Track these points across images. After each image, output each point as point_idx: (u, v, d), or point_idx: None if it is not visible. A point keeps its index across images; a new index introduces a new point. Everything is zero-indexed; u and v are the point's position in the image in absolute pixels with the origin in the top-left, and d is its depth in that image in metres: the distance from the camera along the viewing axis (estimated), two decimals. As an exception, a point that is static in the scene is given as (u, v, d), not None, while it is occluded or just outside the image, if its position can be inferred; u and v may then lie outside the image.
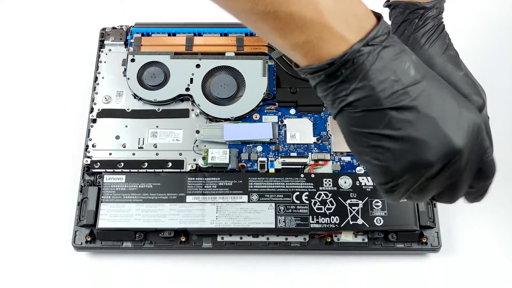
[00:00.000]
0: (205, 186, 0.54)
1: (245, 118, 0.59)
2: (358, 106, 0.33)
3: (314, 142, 0.58)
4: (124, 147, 0.58)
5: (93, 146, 0.57)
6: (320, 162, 0.56)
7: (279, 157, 0.57)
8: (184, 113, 0.59)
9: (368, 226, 0.53)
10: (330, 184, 0.55)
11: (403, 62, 0.33)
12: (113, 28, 0.64)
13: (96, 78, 0.61)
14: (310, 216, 0.53)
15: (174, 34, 0.63)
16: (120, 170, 0.56)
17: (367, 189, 0.54)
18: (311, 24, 0.31)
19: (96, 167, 0.56)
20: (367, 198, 0.54)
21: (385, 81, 0.32)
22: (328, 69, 0.33)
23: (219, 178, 0.55)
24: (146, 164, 0.56)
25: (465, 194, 0.38)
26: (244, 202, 0.54)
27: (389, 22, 0.47)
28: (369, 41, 0.32)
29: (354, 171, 0.56)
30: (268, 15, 0.32)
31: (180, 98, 0.60)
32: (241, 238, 0.54)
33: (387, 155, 0.34)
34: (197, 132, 0.58)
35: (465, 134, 0.33)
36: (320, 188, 0.54)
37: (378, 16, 0.34)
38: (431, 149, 0.33)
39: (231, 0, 0.32)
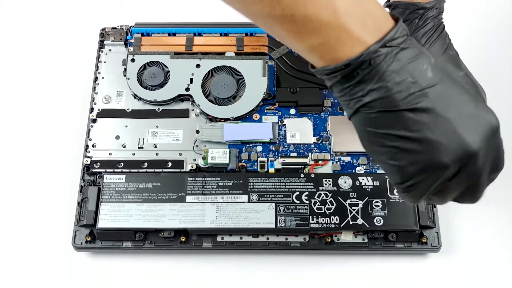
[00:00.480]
0: (205, 186, 0.54)
1: (245, 118, 0.59)
2: (374, 107, 0.33)
3: (314, 142, 0.58)
4: (124, 147, 0.58)
5: (93, 146, 0.57)
6: (320, 162, 0.56)
7: (279, 157, 0.57)
8: (184, 113, 0.59)
9: (368, 226, 0.53)
10: (330, 184, 0.55)
11: (421, 64, 0.33)
12: (113, 28, 0.64)
13: (96, 78, 0.61)
14: (310, 216, 0.53)
15: (174, 34, 0.63)
16: (120, 170, 0.56)
17: (367, 189, 0.54)
18: (328, 26, 0.32)
19: (96, 167, 0.56)
20: (367, 198, 0.54)
21: (402, 83, 0.32)
22: (345, 70, 0.33)
23: (219, 178, 0.55)
24: (146, 164, 0.56)
25: None
26: (244, 202, 0.54)
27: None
28: (386, 42, 0.32)
29: (354, 171, 0.56)
30: (285, 19, 0.32)
31: (180, 98, 0.60)
32: (241, 238, 0.54)
33: (402, 155, 0.34)
34: (197, 132, 0.58)
35: (481, 137, 0.33)
36: (320, 188, 0.54)
37: (396, 19, 0.34)
38: (446, 151, 0.33)
39: (248, 4, 0.33)
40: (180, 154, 0.57)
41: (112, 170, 0.56)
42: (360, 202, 0.54)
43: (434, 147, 0.33)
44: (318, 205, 0.54)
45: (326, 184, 0.55)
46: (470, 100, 0.34)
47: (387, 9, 0.48)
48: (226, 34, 0.63)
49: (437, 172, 0.34)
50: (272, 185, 0.55)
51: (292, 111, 0.59)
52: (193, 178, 0.55)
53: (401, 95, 0.32)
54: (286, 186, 0.54)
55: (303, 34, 0.32)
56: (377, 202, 0.54)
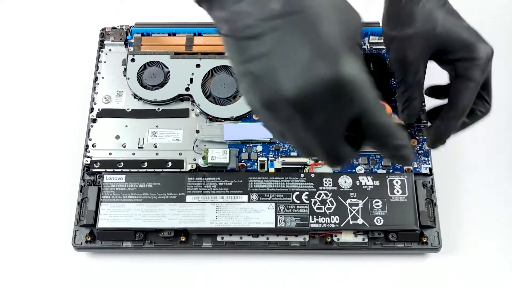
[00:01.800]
0: (205, 186, 0.54)
1: (245, 117, 0.59)
2: (222, 34, 0.34)
3: (314, 142, 0.58)
4: (124, 147, 0.58)
5: (93, 146, 0.57)
6: (320, 162, 0.56)
7: (279, 157, 0.57)
8: (184, 113, 0.59)
9: (368, 226, 0.53)
10: (330, 184, 0.55)
11: None
12: (113, 28, 0.64)
13: (96, 78, 0.61)
14: (310, 216, 0.53)
15: (174, 34, 0.63)
16: (120, 170, 0.56)
17: (367, 189, 0.54)
18: None
19: (96, 167, 0.56)
20: (367, 197, 0.54)
21: (242, 13, 0.32)
22: None
23: (219, 178, 0.55)
24: (146, 164, 0.56)
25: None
26: (244, 202, 0.54)
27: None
28: None
29: (354, 170, 0.56)
30: None
31: (180, 98, 0.60)
32: (241, 238, 0.54)
33: (249, 84, 0.34)
34: (197, 132, 0.58)
35: (304, 84, 0.31)
36: (320, 187, 0.54)
37: None
38: (262, 89, 0.32)
39: None
40: (180, 154, 0.57)
41: (112, 170, 0.56)
42: (360, 201, 0.54)
43: (257, 81, 0.33)
44: (318, 205, 0.54)
45: (326, 184, 0.55)
46: (309, 46, 0.31)
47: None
48: (226, 34, 0.63)
49: (275, 105, 0.32)
50: (272, 185, 0.55)
51: (292, 111, 0.59)
52: (193, 178, 0.55)
53: (237, 25, 0.33)
54: (286, 186, 0.54)
55: None
56: (377, 201, 0.54)
